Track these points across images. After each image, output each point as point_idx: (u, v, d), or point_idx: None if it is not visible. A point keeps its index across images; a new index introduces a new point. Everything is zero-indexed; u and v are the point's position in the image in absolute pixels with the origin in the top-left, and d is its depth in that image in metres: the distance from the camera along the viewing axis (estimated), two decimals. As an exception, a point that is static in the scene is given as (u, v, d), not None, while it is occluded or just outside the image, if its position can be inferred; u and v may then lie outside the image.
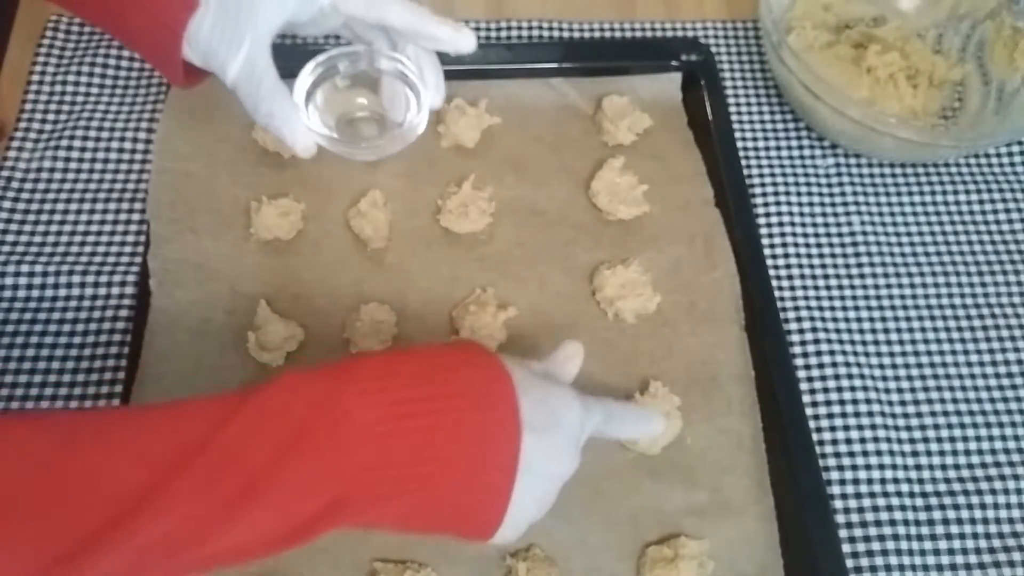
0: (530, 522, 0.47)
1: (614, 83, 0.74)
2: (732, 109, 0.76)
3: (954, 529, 0.59)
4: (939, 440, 0.63)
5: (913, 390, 0.65)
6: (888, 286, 0.69)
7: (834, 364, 0.64)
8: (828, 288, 0.68)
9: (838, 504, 0.60)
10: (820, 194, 0.73)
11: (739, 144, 0.73)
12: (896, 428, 0.63)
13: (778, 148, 0.75)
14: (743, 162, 0.72)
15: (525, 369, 0.46)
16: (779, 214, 0.71)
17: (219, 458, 0.38)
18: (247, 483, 0.38)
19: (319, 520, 0.40)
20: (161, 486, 0.37)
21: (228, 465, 0.38)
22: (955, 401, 0.65)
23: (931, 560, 0.58)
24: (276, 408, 0.40)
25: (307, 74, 0.55)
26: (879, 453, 0.61)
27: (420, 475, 0.41)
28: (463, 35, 0.53)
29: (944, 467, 0.62)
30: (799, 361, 0.65)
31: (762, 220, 0.71)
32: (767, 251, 0.69)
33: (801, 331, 0.66)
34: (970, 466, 0.62)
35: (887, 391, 0.65)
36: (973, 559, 0.59)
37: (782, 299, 0.67)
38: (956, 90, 0.78)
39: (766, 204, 0.72)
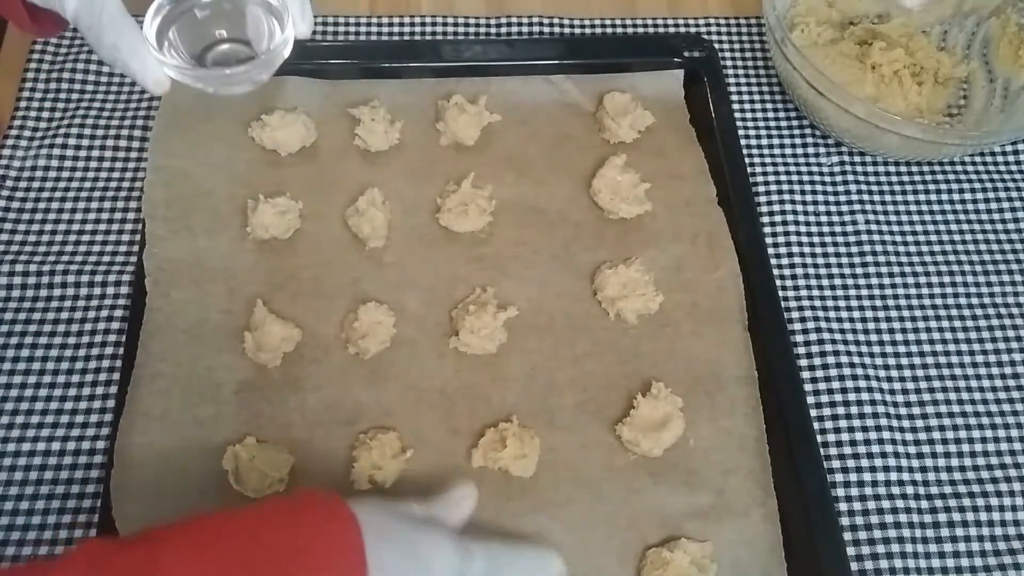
0: None
1: (616, 80, 0.73)
2: (735, 106, 0.75)
3: (959, 531, 0.59)
4: (944, 441, 0.62)
5: (918, 390, 0.64)
6: (893, 285, 0.68)
7: (838, 364, 0.64)
8: (832, 287, 0.68)
9: (842, 506, 0.59)
10: (824, 192, 0.72)
11: (742, 142, 0.73)
12: (901, 429, 0.62)
13: (781, 146, 0.74)
14: (746, 160, 0.71)
15: (389, 512, 0.44)
16: (782, 212, 0.71)
17: None
18: None
19: None
20: None
21: None
22: (960, 402, 0.64)
23: (936, 562, 0.58)
24: None
25: (158, 4, 0.53)
26: (884, 454, 0.61)
27: None
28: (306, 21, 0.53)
29: (949, 468, 0.62)
30: (803, 361, 0.64)
31: (765, 218, 0.70)
32: (770, 250, 0.69)
33: (805, 331, 0.65)
34: (975, 467, 0.62)
35: (892, 391, 0.64)
36: (978, 561, 0.58)
37: (786, 298, 0.67)
38: (961, 87, 0.78)
39: (769, 202, 0.71)
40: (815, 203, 0.72)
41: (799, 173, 0.73)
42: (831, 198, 0.72)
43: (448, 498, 0.49)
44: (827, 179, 0.73)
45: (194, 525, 0.40)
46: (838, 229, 0.71)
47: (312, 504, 0.42)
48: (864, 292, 0.68)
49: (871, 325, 0.67)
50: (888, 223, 0.71)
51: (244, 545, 0.39)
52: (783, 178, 0.73)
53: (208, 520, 0.40)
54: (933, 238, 0.71)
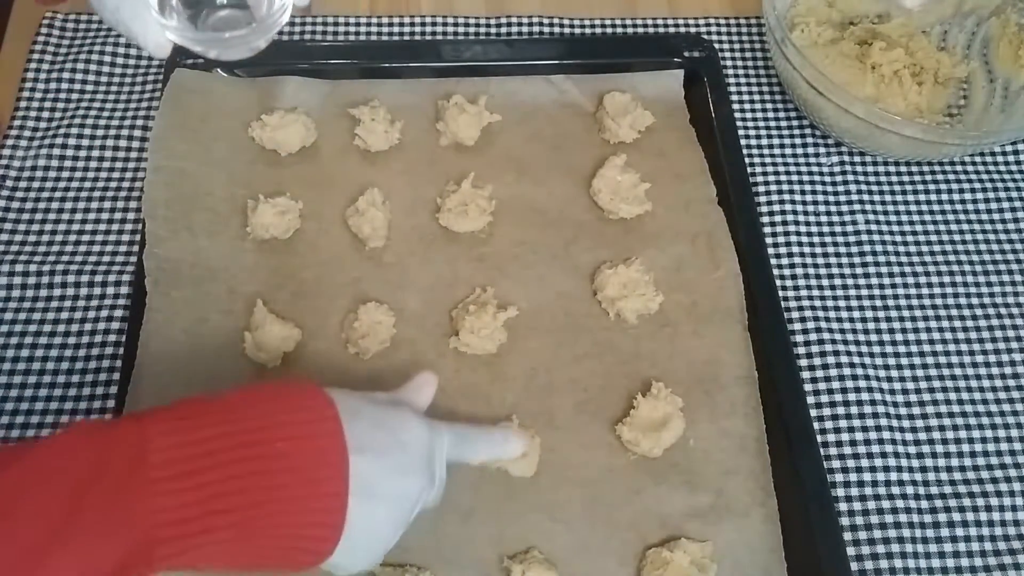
0: (386, 546, 0.47)
1: (616, 80, 0.73)
2: (735, 106, 0.75)
3: (959, 531, 0.59)
4: (944, 441, 0.62)
5: (918, 391, 0.64)
6: (893, 285, 0.68)
7: (838, 364, 0.64)
8: (832, 287, 0.68)
9: (842, 506, 0.59)
10: (824, 192, 0.72)
11: (742, 142, 0.73)
12: (901, 429, 0.62)
13: (782, 146, 0.74)
14: (746, 160, 0.71)
15: (358, 396, 0.47)
16: (783, 212, 0.71)
17: (6, 504, 0.37)
18: (46, 530, 0.37)
19: (128, 567, 0.39)
20: None
21: (19, 512, 0.37)
22: (960, 402, 0.64)
23: (936, 563, 0.58)
24: (67, 450, 0.39)
25: None
26: (884, 455, 0.61)
27: (230, 512, 0.40)
28: None
29: (949, 468, 0.61)
30: (803, 361, 0.64)
31: (765, 219, 0.70)
32: (770, 250, 0.69)
33: (805, 331, 0.65)
34: (975, 468, 0.62)
35: (892, 391, 0.64)
36: (979, 561, 0.58)
37: (786, 298, 0.67)
38: (961, 88, 0.78)
39: (769, 202, 0.71)
40: (815, 203, 0.72)
41: (799, 173, 0.73)
42: (831, 198, 0.72)
43: (410, 386, 0.53)
44: (827, 179, 0.73)
45: (179, 405, 0.43)
46: (838, 229, 0.71)
47: (289, 384, 0.46)
48: (864, 292, 0.68)
49: (871, 325, 0.67)
50: (888, 223, 0.71)
51: (226, 420, 0.42)
52: (783, 178, 0.73)
53: (190, 401, 0.43)
54: (933, 238, 0.71)
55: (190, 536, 0.40)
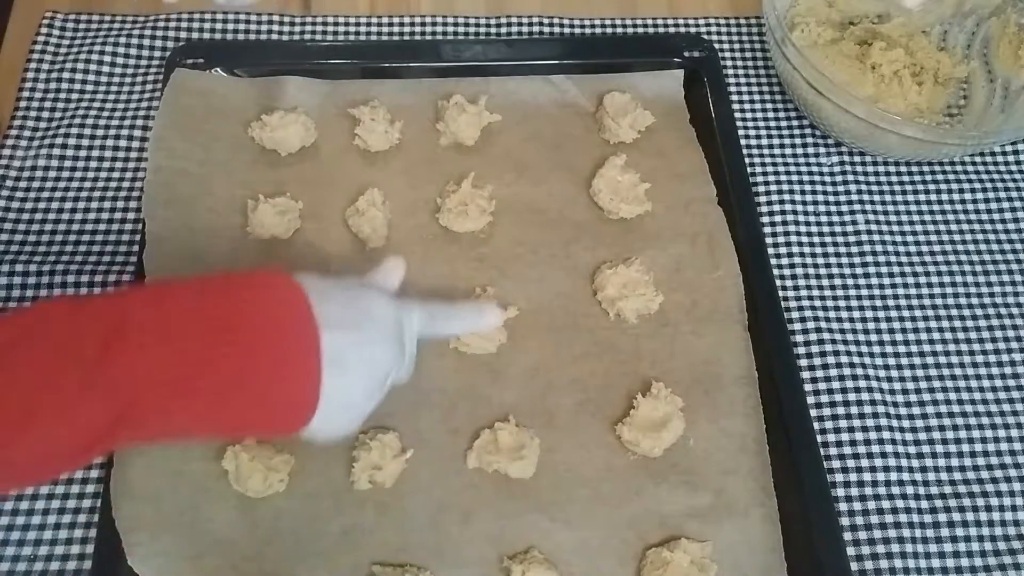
0: (361, 415, 0.50)
1: (616, 80, 0.73)
2: (735, 106, 0.75)
3: (959, 531, 0.59)
4: (944, 441, 0.62)
5: (918, 390, 0.64)
6: (893, 285, 0.68)
7: (838, 364, 0.64)
8: (832, 287, 0.68)
9: (842, 506, 0.59)
10: (824, 192, 0.72)
11: (742, 142, 0.73)
12: (901, 429, 0.62)
13: (782, 146, 0.74)
14: (746, 160, 0.71)
15: (327, 280, 0.49)
16: (783, 212, 0.71)
17: None
18: (33, 392, 0.39)
19: (113, 430, 0.41)
20: None
21: (4, 373, 0.40)
22: (960, 402, 0.64)
23: (936, 562, 0.58)
24: (50, 316, 0.41)
25: None
26: (884, 455, 0.61)
27: (210, 377, 0.43)
28: None
29: (949, 468, 0.61)
30: (803, 361, 0.64)
31: (765, 219, 0.70)
32: (770, 250, 0.69)
33: (805, 331, 0.65)
34: (975, 467, 0.62)
35: (892, 391, 0.64)
36: (979, 561, 0.58)
37: (786, 298, 0.67)
38: (961, 88, 0.78)
39: (769, 202, 0.71)
40: (815, 203, 0.72)
41: (799, 173, 0.73)
42: (831, 198, 0.72)
43: (379, 270, 0.55)
44: (827, 179, 0.73)
45: (155, 285, 0.47)
46: (838, 229, 0.71)
47: (259, 270, 0.50)
48: (864, 292, 0.68)
49: (871, 325, 0.67)
50: (888, 223, 0.71)
51: (202, 295, 0.45)
52: (783, 178, 0.72)
53: (166, 281, 0.47)
54: (933, 238, 0.71)
55: (174, 398, 0.42)
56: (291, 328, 0.46)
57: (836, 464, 0.61)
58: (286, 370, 0.45)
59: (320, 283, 0.48)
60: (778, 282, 0.67)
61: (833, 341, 0.65)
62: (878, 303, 0.68)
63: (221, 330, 0.44)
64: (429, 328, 0.54)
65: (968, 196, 0.73)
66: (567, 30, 0.79)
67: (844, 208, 0.71)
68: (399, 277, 0.56)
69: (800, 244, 0.70)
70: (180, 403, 0.43)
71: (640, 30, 0.80)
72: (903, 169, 0.74)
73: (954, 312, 0.68)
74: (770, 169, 0.73)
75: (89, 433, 0.41)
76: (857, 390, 0.63)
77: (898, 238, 0.71)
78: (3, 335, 0.41)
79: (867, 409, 0.62)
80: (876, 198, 0.72)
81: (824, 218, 0.71)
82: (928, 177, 0.74)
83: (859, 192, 0.72)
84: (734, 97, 0.76)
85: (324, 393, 0.46)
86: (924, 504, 0.60)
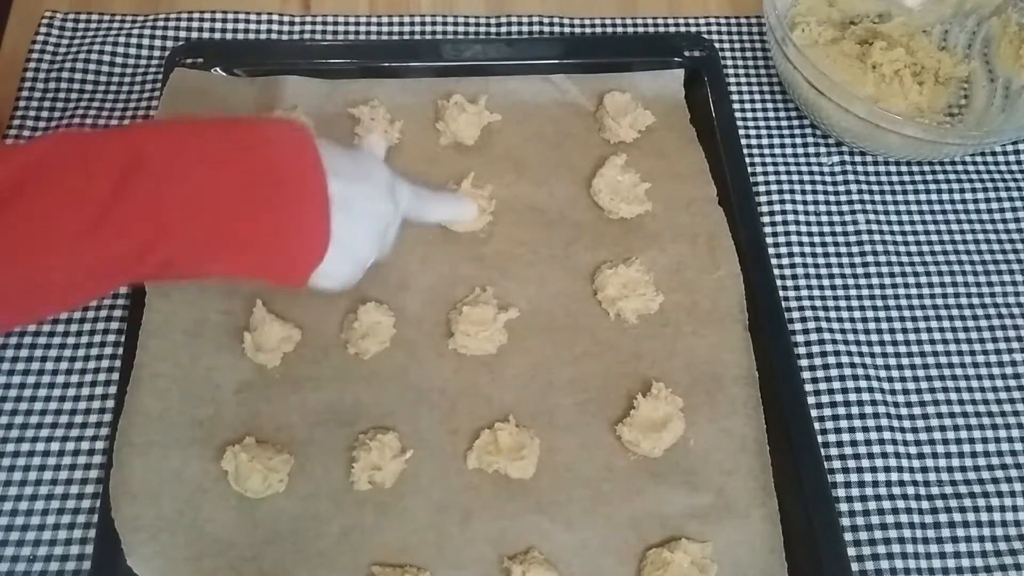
0: (365, 261, 0.54)
1: (616, 79, 0.73)
2: (736, 106, 0.75)
3: (960, 531, 0.59)
4: (945, 442, 0.62)
5: (919, 391, 0.64)
6: (894, 285, 0.68)
7: (839, 364, 0.64)
8: (833, 287, 0.68)
9: (843, 506, 0.59)
10: (825, 192, 0.72)
11: (743, 141, 0.72)
12: (902, 429, 0.62)
13: (782, 146, 0.74)
14: (746, 160, 0.71)
15: (334, 142, 0.52)
16: (783, 212, 0.71)
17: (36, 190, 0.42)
18: (85, 216, 0.42)
19: (130, 266, 0.45)
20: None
21: (55, 195, 0.42)
22: (961, 402, 0.64)
23: (936, 562, 0.58)
24: (59, 152, 0.43)
25: None
26: (884, 455, 0.61)
27: (223, 210, 0.46)
28: None
29: (950, 469, 0.61)
30: (804, 361, 0.64)
31: (766, 218, 0.70)
32: (771, 250, 0.68)
33: (806, 331, 0.65)
34: (976, 468, 0.62)
35: (893, 392, 0.64)
36: (979, 562, 0.58)
37: (786, 298, 0.67)
38: (962, 87, 0.78)
39: (770, 202, 0.71)
40: (815, 203, 0.72)
41: (800, 173, 0.73)
42: (832, 198, 0.72)
43: (365, 143, 0.61)
44: (828, 179, 0.73)
45: (166, 123, 0.48)
46: (839, 229, 0.70)
47: (267, 116, 0.55)
48: (864, 292, 0.68)
49: (871, 325, 0.66)
50: (888, 223, 0.71)
51: (212, 134, 0.48)
52: (783, 178, 0.72)
53: (176, 120, 0.49)
54: (934, 238, 0.71)
55: (193, 230, 0.45)
56: (303, 169, 0.48)
57: (836, 464, 0.60)
58: (300, 207, 0.48)
59: (323, 140, 0.50)
60: (778, 282, 0.67)
61: (834, 341, 0.65)
62: (879, 303, 0.67)
63: (236, 163, 0.46)
64: (414, 208, 0.57)
65: (969, 196, 0.73)
66: (567, 30, 0.79)
67: (844, 208, 0.71)
68: (383, 151, 0.60)
69: (800, 244, 0.69)
70: (200, 236, 0.45)
71: (640, 30, 0.80)
72: (904, 169, 0.74)
73: (954, 312, 0.68)
74: (770, 169, 0.73)
75: (109, 265, 0.44)
76: (858, 390, 0.63)
77: (899, 238, 0.71)
78: (14, 171, 0.42)
79: (867, 409, 0.62)
80: (876, 198, 0.72)
81: (825, 218, 0.71)
82: (929, 177, 0.74)
83: (859, 192, 0.72)
84: (734, 97, 0.76)
85: (334, 235, 0.49)
86: (924, 504, 0.60)
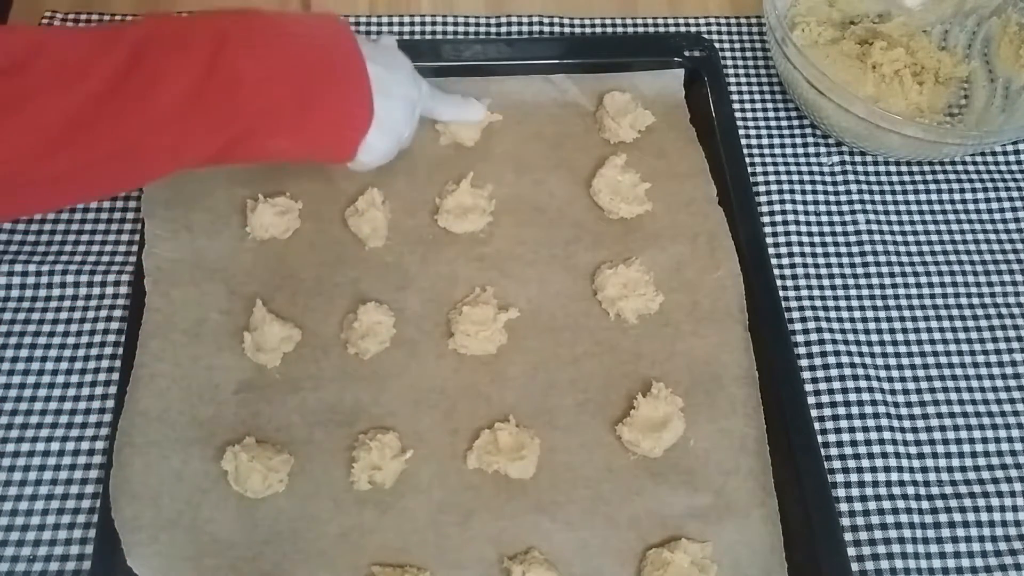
0: (399, 140, 0.61)
1: (616, 79, 0.73)
2: (736, 106, 0.75)
3: (960, 531, 0.59)
4: (945, 442, 0.62)
5: (919, 391, 0.64)
6: (894, 285, 0.68)
7: (839, 364, 0.64)
8: (833, 287, 0.68)
9: (843, 506, 0.59)
10: (825, 192, 0.72)
11: (743, 141, 0.72)
12: (902, 430, 0.62)
13: (782, 146, 0.74)
14: (746, 160, 0.71)
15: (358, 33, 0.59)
16: (783, 212, 0.71)
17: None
18: (177, 106, 0.49)
19: (229, 150, 0.53)
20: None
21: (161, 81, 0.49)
22: (962, 402, 0.64)
23: (936, 562, 0.58)
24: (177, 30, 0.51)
25: None
26: (885, 455, 0.61)
27: (290, 89, 0.53)
28: None
29: (950, 469, 0.61)
30: (804, 362, 0.64)
31: (766, 218, 0.70)
32: (771, 250, 0.68)
33: (806, 331, 0.65)
34: (976, 468, 0.61)
35: (893, 392, 0.64)
36: (979, 562, 0.58)
37: (786, 299, 0.67)
38: (962, 87, 0.78)
39: (770, 202, 0.71)
40: (816, 203, 0.71)
41: (799, 173, 0.73)
42: (832, 198, 0.72)
43: (382, 40, 0.65)
44: (827, 179, 0.73)
45: (243, 11, 0.54)
46: (839, 229, 0.70)
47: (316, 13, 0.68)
48: (865, 292, 0.68)
49: (871, 325, 0.66)
50: (888, 223, 0.71)
51: (278, 26, 0.55)
52: (783, 178, 0.72)
53: (262, 18, 0.54)
54: (933, 238, 0.71)
55: (272, 103, 0.53)
56: (348, 54, 0.56)
57: (836, 464, 0.60)
58: (348, 87, 0.56)
59: (353, 31, 0.58)
60: (778, 282, 0.67)
61: (834, 341, 0.65)
62: (879, 303, 0.67)
63: (296, 47, 0.54)
64: (429, 102, 0.64)
65: (968, 196, 0.73)
66: (567, 30, 0.79)
67: (844, 208, 0.71)
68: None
69: (801, 244, 0.69)
70: (268, 109, 0.52)
71: (640, 30, 0.80)
72: (904, 169, 0.74)
73: (954, 312, 0.68)
74: (771, 169, 0.73)
75: (196, 136, 0.51)
76: (858, 390, 0.63)
77: (899, 238, 0.70)
78: (125, 49, 0.48)
79: (867, 409, 0.62)
80: (876, 198, 0.72)
81: (824, 218, 0.71)
82: (929, 177, 0.74)
83: (859, 192, 0.72)
84: (735, 97, 0.76)
85: (376, 113, 0.56)
86: (924, 504, 0.60)
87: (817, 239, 0.70)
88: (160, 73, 0.48)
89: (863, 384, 0.63)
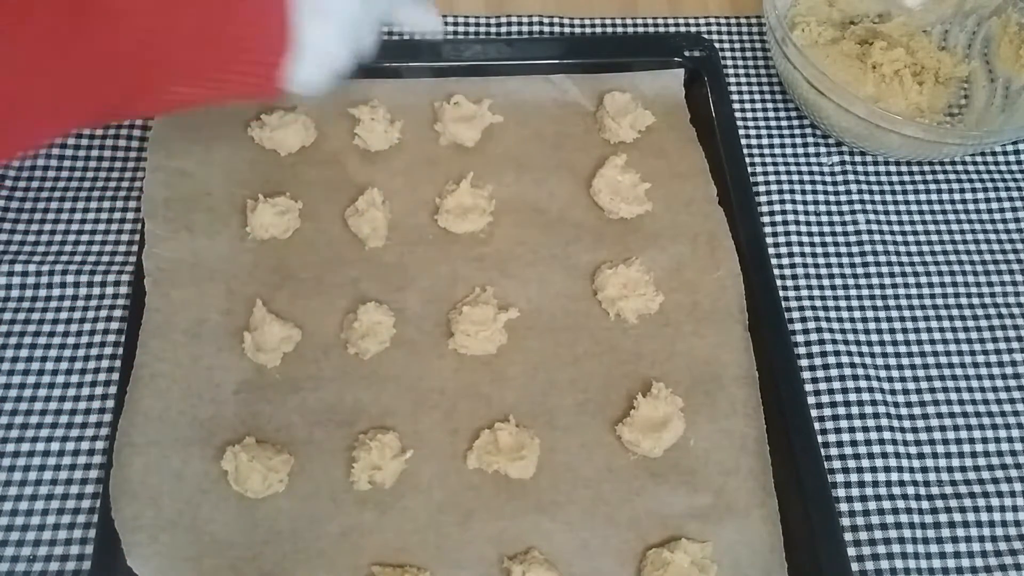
0: (338, 60, 0.54)
1: (616, 79, 0.73)
2: (736, 106, 0.75)
3: (960, 531, 0.59)
4: (945, 442, 0.62)
5: (919, 391, 0.64)
6: (894, 285, 0.68)
7: (839, 365, 0.64)
8: (833, 287, 0.68)
9: (843, 506, 0.59)
10: (825, 192, 0.72)
11: (743, 141, 0.72)
12: (902, 429, 0.62)
13: (782, 146, 0.74)
14: (746, 160, 0.71)
15: None
16: (783, 212, 0.71)
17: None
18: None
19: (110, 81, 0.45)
20: None
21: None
22: (962, 402, 0.64)
23: (936, 562, 0.58)
24: None
25: None
26: (885, 455, 0.61)
27: (188, 33, 0.46)
28: None
29: (950, 469, 0.61)
30: (804, 362, 0.64)
31: (766, 218, 0.70)
32: (771, 250, 0.68)
33: (806, 331, 0.65)
34: (976, 468, 0.61)
35: (893, 392, 0.64)
36: (979, 562, 0.58)
37: (786, 299, 0.67)
38: (962, 87, 0.78)
39: (770, 202, 0.71)
40: (816, 203, 0.72)
41: (800, 173, 0.73)
42: (832, 198, 0.72)
43: None
44: (827, 179, 0.73)
45: None
46: (839, 229, 0.70)
47: None
48: (865, 292, 0.68)
49: (871, 325, 0.66)
50: (888, 223, 0.71)
51: None
52: (783, 178, 0.72)
53: None
54: (934, 238, 0.71)
55: (165, 56, 0.46)
56: None
57: (836, 464, 0.60)
58: (253, 10, 0.48)
59: None
60: (778, 282, 0.67)
61: (833, 341, 0.65)
62: (878, 303, 0.67)
63: None
64: (386, 13, 0.57)
65: (969, 196, 0.73)
66: (567, 30, 0.79)
67: (844, 208, 0.71)
68: None
69: (801, 244, 0.69)
70: (162, 50, 0.45)
71: (640, 30, 0.80)
72: (904, 169, 0.74)
73: (954, 312, 0.68)
74: (771, 169, 0.73)
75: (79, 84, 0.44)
76: (857, 390, 0.63)
77: (898, 238, 0.71)
78: None
79: (867, 409, 0.62)
80: (876, 198, 0.72)
81: (824, 218, 0.71)
82: (929, 177, 0.74)
83: (859, 192, 0.72)
84: (735, 97, 0.76)
85: (299, 37, 0.49)
86: (924, 504, 0.60)
87: (817, 239, 0.70)
88: (23, 10, 0.41)
89: (863, 384, 0.63)
